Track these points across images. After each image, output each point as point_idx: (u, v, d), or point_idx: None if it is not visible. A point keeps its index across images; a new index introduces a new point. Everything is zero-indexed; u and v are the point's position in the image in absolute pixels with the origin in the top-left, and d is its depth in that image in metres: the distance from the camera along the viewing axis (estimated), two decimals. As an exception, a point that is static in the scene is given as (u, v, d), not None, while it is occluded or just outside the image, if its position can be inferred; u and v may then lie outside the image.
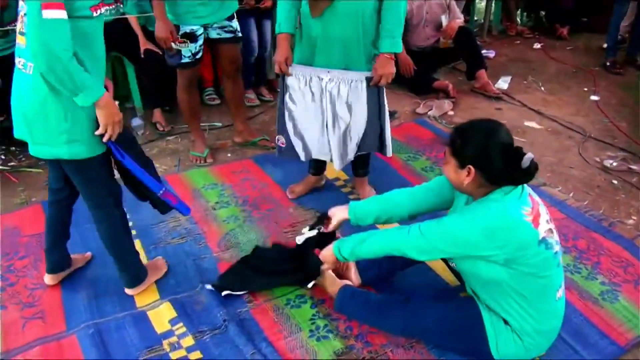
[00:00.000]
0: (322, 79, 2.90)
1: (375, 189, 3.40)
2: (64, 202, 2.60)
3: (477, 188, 2.08)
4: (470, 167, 2.02)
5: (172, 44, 3.36)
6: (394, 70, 2.88)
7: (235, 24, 3.59)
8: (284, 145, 3.11)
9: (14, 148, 4.08)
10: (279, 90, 3.06)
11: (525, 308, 2.12)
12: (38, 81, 2.08)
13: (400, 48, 2.86)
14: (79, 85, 2.02)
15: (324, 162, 3.32)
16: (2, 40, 4.14)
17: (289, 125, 3.05)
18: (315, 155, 3.07)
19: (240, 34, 3.66)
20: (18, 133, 2.28)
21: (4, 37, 4.13)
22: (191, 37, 3.42)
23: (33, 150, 2.25)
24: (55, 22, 1.92)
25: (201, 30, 3.45)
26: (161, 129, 4.32)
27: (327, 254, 2.50)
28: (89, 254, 2.89)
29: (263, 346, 2.37)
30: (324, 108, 2.96)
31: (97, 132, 2.17)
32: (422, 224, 2.17)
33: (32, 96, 2.12)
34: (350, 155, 3.04)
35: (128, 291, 2.64)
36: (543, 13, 6.87)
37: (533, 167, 2.00)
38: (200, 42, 3.49)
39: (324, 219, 2.63)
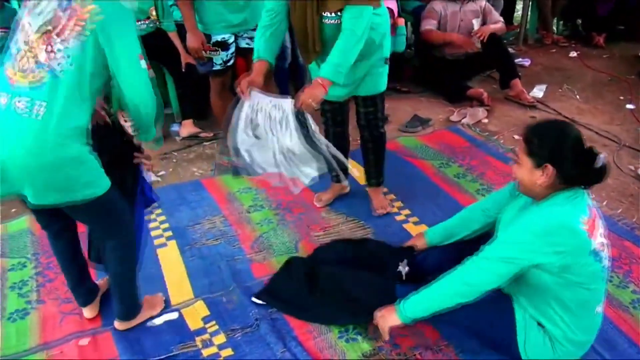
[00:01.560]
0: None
1: (396, 195, 3.47)
2: (66, 228, 2.43)
3: (547, 189, 2.05)
4: (548, 165, 1.99)
5: (204, 53, 3.48)
6: (319, 97, 2.65)
7: None
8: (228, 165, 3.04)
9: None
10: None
11: (564, 317, 2.11)
12: (53, 126, 1.94)
13: (341, 80, 2.67)
14: (152, 126, 2.28)
15: (345, 172, 3.33)
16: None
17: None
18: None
19: None
20: (5, 190, 2.02)
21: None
22: (222, 45, 3.53)
23: (36, 200, 2.02)
24: (146, 72, 2.11)
25: (232, 39, 3.55)
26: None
27: (387, 322, 2.26)
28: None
29: (293, 345, 2.42)
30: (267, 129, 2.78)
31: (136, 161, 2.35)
32: (481, 251, 2.12)
33: (43, 144, 1.94)
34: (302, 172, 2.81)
35: (117, 324, 2.51)
36: (579, 21, 6.81)
37: (605, 168, 1.99)
38: (232, 49, 3.59)
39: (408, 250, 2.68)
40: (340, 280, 2.59)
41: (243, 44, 3.61)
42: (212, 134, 4.44)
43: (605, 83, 5.41)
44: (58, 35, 1.96)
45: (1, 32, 3.97)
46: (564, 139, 2.00)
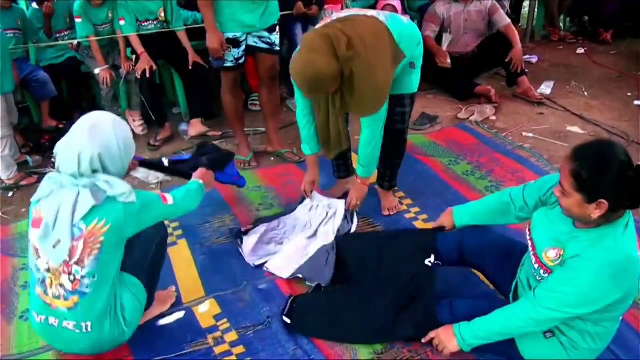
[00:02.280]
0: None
1: (405, 193, 3.50)
2: None
3: (601, 217, 1.91)
4: (603, 201, 1.85)
5: (222, 52, 3.49)
6: (364, 194, 3.11)
7: (274, 37, 3.67)
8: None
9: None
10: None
11: (590, 330, 2.06)
12: (105, 331, 2.21)
13: (371, 173, 3.05)
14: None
15: (346, 165, 3.41)
16: (53, 49, 4.31)
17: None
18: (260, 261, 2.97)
19: (277, 48, 3.74)
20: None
21: (54, 46, 4.30)
22: (234, 42, 3.53)
23: None
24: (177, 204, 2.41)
25: (244, 37, 3.56)
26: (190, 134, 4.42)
27: (448, 348, 2.23)
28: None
29: (304, 343, 2.43)
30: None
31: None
32: (538, 294, 2.03)
33: (99, 345, 2.25)
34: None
35: None
36: (586, 18, 6.79)
37: None
38: (243, 47, 3.59)
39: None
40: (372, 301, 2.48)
41: (251, 41, 3.60)
42: (220, 133, 4.45)
43: (612, 79, 5.40)
44: (77, 263, 2.10)
45: (10, 33, 3.99)
46: (616, 169, 1.83)
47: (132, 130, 4.36)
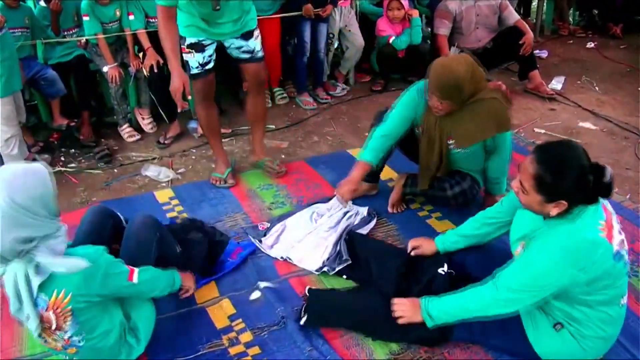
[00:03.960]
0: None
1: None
2: None
3: (560, 213, 1.99)
4: (562, 201, 1.95)
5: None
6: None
7: (253, 43, 3.39)
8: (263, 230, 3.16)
9: (73, 150, 4.24)
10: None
11: (589, 316, 2.09)
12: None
13: (503, 189, 3.20)
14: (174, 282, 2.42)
15: (379, 170, 3.36)
16: (61, 47, 4.29)
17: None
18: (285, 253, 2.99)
19: (259, 54, 3.46)
20: None
21: (62, 44, 4.28)
22: (196, 47, 3.28)
23: None
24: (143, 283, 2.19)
25: (209, 41, 3.30)
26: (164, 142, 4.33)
27: (411, 317, 2.30)
28: None
29: (319, 343, 2.41)
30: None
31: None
32: (497, 279, 2.11)
33: None
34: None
35: None
36: (596, 12, 6.76)
37: (612, 181, 1.93)
38: (209, 52, 3.33)
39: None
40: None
41: (234, 54, 3.43)
42: (230, 130, 4.44)
43: (623, 74, 5.37)
44: (58, 329, 2.02)
45: (18, 31, 3.98)
46: (576, 172, 1.91)
47: (141, 128, 4.45)
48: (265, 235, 3.09)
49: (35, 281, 1.90)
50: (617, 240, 2.02)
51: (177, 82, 3.11)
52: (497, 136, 2.92)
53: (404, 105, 3.02)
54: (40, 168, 1.94)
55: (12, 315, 2.03)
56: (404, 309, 2.33)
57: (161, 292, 2.33)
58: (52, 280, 1.92)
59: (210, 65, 3.37)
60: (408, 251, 2.72)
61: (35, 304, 1.94)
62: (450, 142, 2.98)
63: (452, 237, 2.65)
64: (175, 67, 3.10)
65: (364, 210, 3.23)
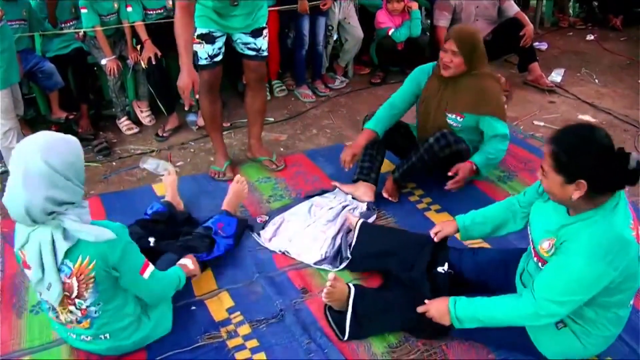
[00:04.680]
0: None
1: (416, 183, 3.48)
2: None
3: (582, 199, 1.91)
4: (581, 181, 1.86)
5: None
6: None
7: (260, 42, 3.40)
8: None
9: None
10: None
11: (600, 316, 2.06)
12: (123, 336, 2.23)
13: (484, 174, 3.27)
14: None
15: (370, 169, 3.35)
16: (59, 40, 4.28)
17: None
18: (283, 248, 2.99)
19: (264, 53, 3.48)
20: None
21: (60, 36, 4.27)
22: (207, 38, 3.25)
23: None
24: (153, 280, 2.20)
25: (219, 33, 3.28)
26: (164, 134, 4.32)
27: (439, 310, 2.23)
28: None
29: (318, 336, 2.41)
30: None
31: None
32: (534, 290, 2.02)
33: (119, 347, 2.27)
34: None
35: None
36: (595, 3, 6.73)
37: (639, 168, 1.84)
38: (219, 44, 3.30)
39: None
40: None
41: (238, 48, 3.42)
42: (229, 124, 4.43)
43: (623, 66, 5.36)
44: (78, 297, 2.07)
45: (16, 24, 3.96)
46: (595, 150, 1.85)
47: (140, 121, 4.44)
48: (263, 228, 3.09)
49: (63, 246, 1.94)
50: None
51: (186, 79, 3.07)
52: (488, 123, 3.12)
53: (409, 81, 3.33)
54: (72, 138, 2.00)
55: (33, 286, 2.08)
56: (432, 314, 2.25)
57: (166, 295, 2.39)
58: (78, 246, 1.97)
59: (219, 58, 3.34)
60: (431, 237, 2.62)
61: (59, 270, 1.98)
62: (450, 115, 3.17)
63: (473, 216, 2.54)
64: (185, 63, 3.06)
65: (363, 206, 3.22)
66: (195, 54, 3.23)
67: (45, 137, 1.93)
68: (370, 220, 3.11)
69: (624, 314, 2.12)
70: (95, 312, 2.11)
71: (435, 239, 2.56)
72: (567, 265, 1.94)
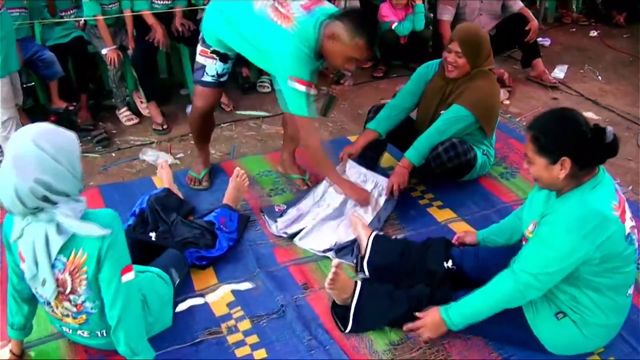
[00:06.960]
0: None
1: (418, 179, 3.44)
2: None
3: (570, 178, 2.02)
4: (565, 158, 1.97)
5: (198, 56, 3.11)
6: (406, 180, 3.12)
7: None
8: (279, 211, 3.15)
9: (71, 133, 4.18)
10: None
11: (596, 302, 2.10)
12: (122, 330, 2.05)
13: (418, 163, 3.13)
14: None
15: (373, 160, 3.39)
16: (59, 29, 4.24)
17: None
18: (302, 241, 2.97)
19: None
20: None
21: (60, 24, 4.23)
22: (223, 56, 3.07)
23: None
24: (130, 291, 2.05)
25: (233, 54, 3.08)
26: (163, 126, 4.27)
27: (434, 325, 2.26)
28: None
29: (319, 333, 2.39)
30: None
31: None
32: (514, 263, 2.12)
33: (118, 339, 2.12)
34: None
35: None
36: (599, 0, 6.71)
37: (616, 140, 1.98)
38: (229, 65, 3.13)
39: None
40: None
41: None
42: (230, 107, 4.43)
43: (626, 63, 5.34)
44: (72, 293, 2.03)
45: (16, 12, 3.92)
46: (570, 128, 1.98)
47: (140, 112, 4.40)
48: (281, 216, 3.09)
49: (57, 242, 1.90)
50: (629, 224, 2.03)
51: (362, 193, 3.11)
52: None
53: (413, 80, 3.34)
54: (68, 131, 1.95)
55: (28, 282, 2.03)
56: (426, 329, 2.28)
57: (126, 317, 2.05)
58: (71, 240, 1.93)
59: (224, 79, 3.17)
60: (453, 241, 2.70)
61: (52, 266, 1.94)
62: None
63: (490, 228, 2.65)
64: (336, 178, 3.10)
65: (383, 182, 3.20)
66: (202, 67, 3.10)
67: (40, 125, 1.90)
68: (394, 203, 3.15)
69: (622, 303, 2.16)
70: (92, 308, 2.08)
71: (456, 244, 2.67)
72: (542, 236, 2.06)
